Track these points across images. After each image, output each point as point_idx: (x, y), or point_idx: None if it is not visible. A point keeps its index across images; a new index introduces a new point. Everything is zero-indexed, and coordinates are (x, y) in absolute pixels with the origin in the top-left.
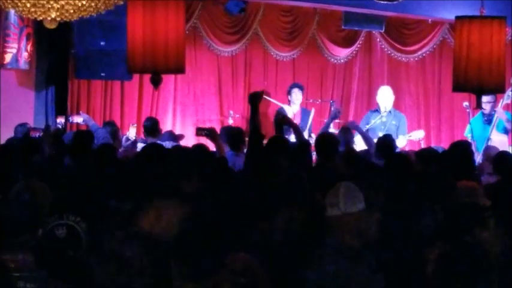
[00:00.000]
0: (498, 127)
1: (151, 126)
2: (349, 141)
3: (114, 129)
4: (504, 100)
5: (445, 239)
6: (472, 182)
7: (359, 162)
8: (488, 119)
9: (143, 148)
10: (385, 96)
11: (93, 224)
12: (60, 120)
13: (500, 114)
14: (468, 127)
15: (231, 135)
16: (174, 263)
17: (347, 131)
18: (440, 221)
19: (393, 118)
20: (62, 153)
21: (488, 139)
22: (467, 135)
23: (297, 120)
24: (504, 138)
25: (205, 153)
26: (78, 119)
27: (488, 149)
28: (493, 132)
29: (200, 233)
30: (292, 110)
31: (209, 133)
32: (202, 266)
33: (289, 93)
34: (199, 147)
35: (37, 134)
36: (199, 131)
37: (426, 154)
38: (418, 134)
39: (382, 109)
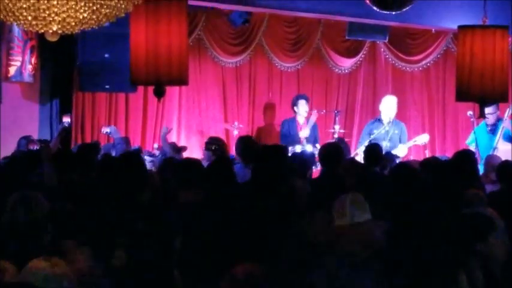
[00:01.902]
0: (503, 136)
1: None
2: (345, 152)
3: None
4: (510, 110)
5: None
6: (477, 190)
7: (361, 171)
8: (492, 129)
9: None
10: (389, 106)
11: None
12: (66, 119)
13: (506, 124)
14: (471, 135)
15: (243, 147)
16: None
17: (342, 142)
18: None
19: (395, 127)
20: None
21: (495, 148)
22: (470, 143)
23: (306, 131)
24: (510, 147)
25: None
26: (106, 130)
27: (490, 158)
28: (499, 141)
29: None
30: (300, 121)
31: (218, 148)
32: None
33: (295, 104)
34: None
35: (35, 147)
36: (209, 145)
37: (430, 164)
38: (423, 138)
39: (385, 120)
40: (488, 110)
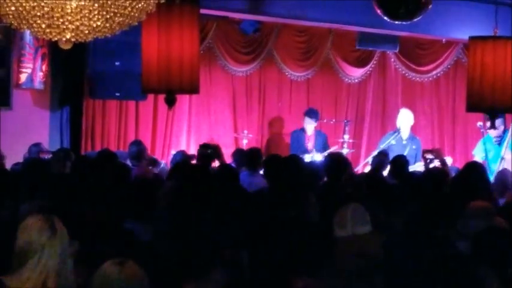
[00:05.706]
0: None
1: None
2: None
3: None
4: None
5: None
6: (486, 202)
7: (379, 182)
8: (498, 140)
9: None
10: (407, 118)
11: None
12: None
13: None
14: (478, 145)
15: (248, 155)
16: None
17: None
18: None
19: (413, 142)
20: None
21: (502, 158)
22: (479, 155)
23: (311, 143)
24: None
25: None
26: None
27: (501, 171)
28: (506, 151)
29: None
30: (308, 133)
31: (213, 151)
32: None
33: (305, 116)
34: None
35: (46, 156)
36: (204, 149)
37: (438, 175)
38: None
39: (404, 135)
40: (496, 122)
